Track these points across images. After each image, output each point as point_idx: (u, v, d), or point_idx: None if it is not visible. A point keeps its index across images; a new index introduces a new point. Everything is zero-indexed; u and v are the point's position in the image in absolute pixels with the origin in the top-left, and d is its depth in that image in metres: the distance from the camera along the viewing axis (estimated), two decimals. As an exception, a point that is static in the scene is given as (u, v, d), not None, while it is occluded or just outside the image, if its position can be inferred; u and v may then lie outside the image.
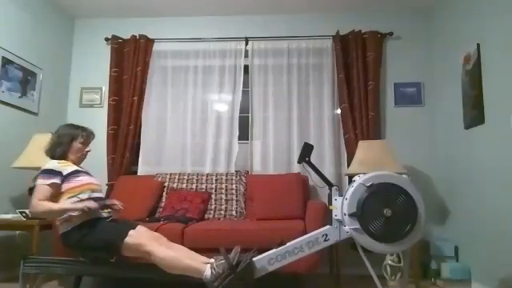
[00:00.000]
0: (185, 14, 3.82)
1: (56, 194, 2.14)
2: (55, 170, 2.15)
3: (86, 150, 2.35)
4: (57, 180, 2.13)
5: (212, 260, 1.93)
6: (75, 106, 3.83)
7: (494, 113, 2.55)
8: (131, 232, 2.04)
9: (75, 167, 2.25)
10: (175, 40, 3.76)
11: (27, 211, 2.72)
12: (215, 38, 3.74)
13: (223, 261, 1.86)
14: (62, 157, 2.26)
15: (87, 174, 2.31)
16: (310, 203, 2.79)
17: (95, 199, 2.20)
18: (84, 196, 2.17)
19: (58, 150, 2.25)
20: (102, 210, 2.17)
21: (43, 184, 2.11)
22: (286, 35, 3.69)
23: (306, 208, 2.80)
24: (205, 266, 1.91)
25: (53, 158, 2.25)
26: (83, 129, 2.35)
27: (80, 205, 2.08)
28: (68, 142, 2.27)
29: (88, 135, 2.35)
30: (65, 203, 2.11)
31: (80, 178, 2.21)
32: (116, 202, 2.30)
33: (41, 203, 2.06)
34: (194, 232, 2.58)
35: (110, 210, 2.24)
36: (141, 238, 2.03)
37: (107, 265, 2.14)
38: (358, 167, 3.00)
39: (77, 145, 2.29)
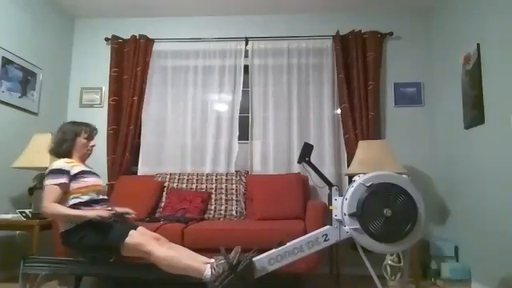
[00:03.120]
0: (185, 13, 3.82)
1: (64, 194, 2.13)
2: (64, 170, 2.15)
3: (91, 144, 2.34)
4: (65, 180, 2.13)
5: (212, 260, 1.93)
6: (75, 106, 3.83)
7: (493, 113, 2.55)
8: (132, 232, 2.04)
9: (82, 167, 2.25)
10: (175, 40, 3.76)
11: (27, 211, 2.73)
12: (215, 38, 3.74)
13: (223, 261, 1.86)
14: (68, 154, 2.25)
15: (94, 174, 2.30)
16: (309, 203, 2.79)
17: (99, 201, 2.21)
18: (86, 198, 2.16)
19: (63, 146, 2.25)
20: (113, 217, 2.13)
21: (53, 184, 2.10)
22: (286, 35, 3.69)
23: (306, 208, 2.80)
24: (205, 265, 1.91)
25: (58, 155, 2.24)
26: (86, 124, 2.35)
27: (92, 213, 2.06)
28: (72, 138, 2.26)
29: (91, 130, 2.35)
30: (76, 211, 2.09)
31: (87, 179, 2.21)
32: (129, 210, 2.27)
33: (53, 206, 2.06)
34: (194, 232, 2.58)
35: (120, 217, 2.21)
36: (141, 238, 2.03)
37: (107, 265, 2.14)
38: (358, 167, 3.00)
39: (81, 140, 2.28)
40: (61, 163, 2.18)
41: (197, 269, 1.91)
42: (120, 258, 2.15)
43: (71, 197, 2.14)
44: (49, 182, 2.11)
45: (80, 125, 2.33)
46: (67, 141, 2.25)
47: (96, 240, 2.05)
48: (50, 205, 2.06)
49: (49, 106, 3.56)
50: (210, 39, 3.74)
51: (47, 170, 2.16)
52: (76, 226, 2.08)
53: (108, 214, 2.08)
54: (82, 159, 2.32)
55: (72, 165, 2.20)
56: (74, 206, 2.14)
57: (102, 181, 2.33)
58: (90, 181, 2.22)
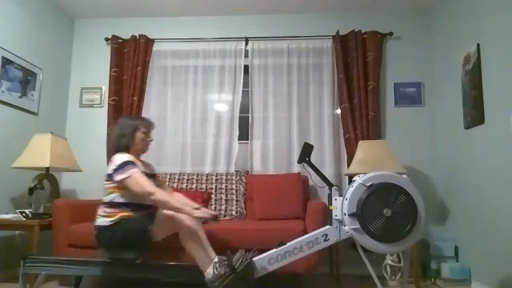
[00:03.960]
0: (185, 13, 3.82)
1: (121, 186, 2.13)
2: (135, 163, 2.15)
3: (149, 139, 2.34)
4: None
5: (216, 259, 1.94)
6: (75, 106, 3.84)
7: (493, 113, 2.55)
8: (162, 211, 2.06)
9: (142, 168, 2.25)
10: (175, 40, 3.76)
11: (27, 211, 2.73)
12: (215, 38, 3.74)
13: (226, 262, 1.86)
14: (126, 149, 2.25)
15: (150, 176, 2.27)
16: (310, 203, 2.79)
17: (145, 207, 2.21)
18: (137, 201, 2.18)
19: (122, 140, 2.24)
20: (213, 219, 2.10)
21: (140, 171, 2.09)
22: (286, 35, 3.69)
23: (306, 208, 2.80)
24: (209, 262, 1.93)
25: (118, 150, 2.24)
26: (143, 119, 2.36)
27: (198, 212, 2.02)
28: (131, 132, 2.26)
29: (149, 124, 2.35)
30: (184, 205, 2.04)
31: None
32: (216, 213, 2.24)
33: (162, 192, 2.04)
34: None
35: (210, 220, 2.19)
36: (174, 213, 2.03)
37: (107, 265, 2.14)
38: (358, 167, 3.00)
39: (140, 135, 2.28)
40: (128, 156, 2.16)
41: (206, 260, 1.94)
42: (147, 257, 2.16)
43: (121, 193, 2.14)
44: (133, 170, 2.07)
45: (138, 119, 2.33)
46: (126, 135, 2.25)
47: (126, 233, 2.05)
48: (159, 189, 2.05)
49: (49, 106, 3.56)
50: (210, 39, 3.74)
51: (117, 164, 2.10)
52: (112, 223, 2.08)
53: (211, 215, 2.05)
54: (139, 154, 2.32)
55: (136, 161, 2.21)
56: (120, 204, 2.14)
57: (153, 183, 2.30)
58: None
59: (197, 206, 2.09)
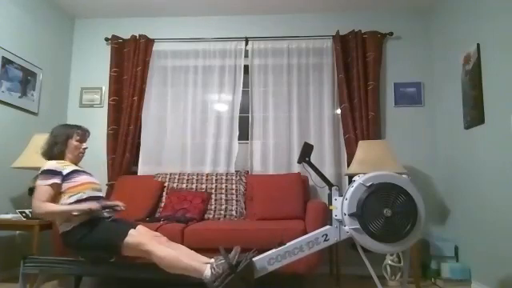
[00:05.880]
0: (185, 13, 3.82)
1: (56, 194, 2.14)
2: (55, 170, 2.15)
3: (83, 147, 2.35)
4: (57, 180, 2.13)
5: (212, 260, 1.93)
6: (75, 106, 3.84)
7: (493, 113, 2.55)
8: (131, 231, 2.04)
9: (74, 167, 2.26)
10: (175, 40, 3.76)
11: (27, 211, 2.72)
12: (215, 38, 3.74)
13: (223, 261, 1.86)
14: (60, 156, 2.26)
15: (86, 173, 2.31)
16: (310, 203, 2.79)
17: (95, 198, 2.20)
18: (84, 195, 2.16)
19: (55, 149, 2.26)
20: (103, 210, 2.17)
21: (44, 185, 2.10)
22: (285, 35, 3.69)
23: (306, 208, 2.80)
24: (205, 265, 1.91)
25: (51, 158, 2.25)
26: (78, 127, 2.36)
27: (83, 206, 2.08)
28: (64, 140, 2.27)
29: (83, 132, 2.36)
30: (66, 205, 2.10)
31: (80, 178, 2.20)
32: (119, 203, 2.29)
33: (43, 205, 2.06)
34: (193, 232, 2.58)
35: (111, 210, 2.24)
36: (141, 237, 2.03)
37: (107, 265, 2.14)
38: (358, 167, 3.00)
39: (73, 142, 2.29)
40: (53, 164, 2.18)
41: (197, 269, 1.91)
42: (121, 258, 2.15)
43: (67, 196, 2.14)
44: (40, 182, 2.11)
45: (72, 127, 2.34)
46: (58, 144, 2.26)
47: (96, 240, 2.05)
48: (40, 204, 2.06)
49: (49, 106, 3.56)
50: (210, 39, 3.74)
51: (39, 172, 2.16)
52: (74, 227, 2.08)
53: (98, 205, 2.10)
54: (75, 161, 2.32)
55: (64, 165, 2.21)
56: (71, 204, 2.13)
57: (95, 179, 2.33)
58: (83, 179, 2.21)
59: (96, 205, 2.11)
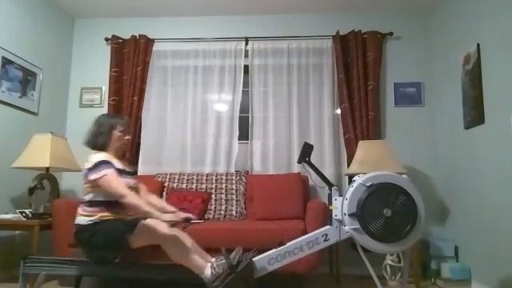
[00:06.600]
0: (185, 13, 3.82)
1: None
2: (110, 162, 2.13)
3: (126, 137, 2.34)
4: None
5: (213, 259, 1.93)
6: (75, 106, 3.83)
7: (493, 113, 2.55)
8: (142, 221, 2.04)
9: (119, 166, 2.23)
10: (175, 40, 3.76)
11: (27, 211, 2.73)
12: (215, 38, 3.74)
13: (223, 261, 1.86)
14: (104, 147, 2.24)
15: (128, 175, 2.27)
16: (310, 203, 2.79)
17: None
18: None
19: (99, 138, 2.23)
20: (187, 223, 2.12)
21: (113, 172, 2.07)
22: (286, 35, 3.69)
23: (306, 208, 2.80)
24: (206, 264, 1.92)
25: (95, 147, 2.23)
26: (121, 117, 2.35)
27: (166, 216, 2.02)
28: (108, 130, 2.25)
29: (126, 123, 2.35)
30: (154, 210, 2.03)
31: (124, 180, 2.15)
32: (190, 215, 2.23)
33: (134, 195, 2.03)
34: (194, 232, 2.58)
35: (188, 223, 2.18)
36: (151, 220, 2.01)
37: (107, 265, 2.14)
38: (358, 167, 3.00)
39: (116, 133, 2.27)
40: (104, 155, 2.16)
41: (200, 264, 1.92)
42: (125, 258, 2.15)
43: (97, 192, 2.12)
44: (107, 171, 2.06)
45: (115, 118, 2.32)
46: (103, 133, 2.24)
47: (104, 237, 2.04)
48: (131, 193, 2.03)
49: (49, 106, 3.56)
50: (210, 39, 3.74)
51: (92, 163, 2.10)
52: (92, 223, 2.07)
53: (181, 218, 2.06)
54: (117, 153, 2.31)
55: (113, 160, 2.19)
56: (100, 203, 2.13)
57: (133, 182, 2.29)
58: (125, 182, 2.16)
59: (172, 209, 2.09)
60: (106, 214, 2.12)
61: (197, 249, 2.04)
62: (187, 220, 2.08)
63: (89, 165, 2.12)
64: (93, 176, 2.07)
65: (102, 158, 2.13)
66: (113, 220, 2.12)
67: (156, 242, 1.98)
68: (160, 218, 2.00)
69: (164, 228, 1.97)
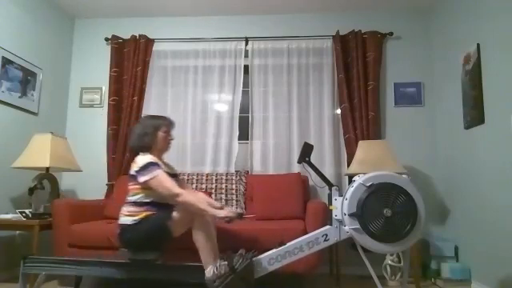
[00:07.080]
0: (185, 13, 3.82)
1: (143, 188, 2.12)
2: (158, 163, 2.14)
3: (170, 138, 2.34)
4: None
5: (218, 261, 1.94)
6: (75, 106, 3.83)
7: (493, 113, 2.55)
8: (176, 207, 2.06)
9: (165, 168, 2.24)
10: (175, 40, 3.76)
11: (27, 211, 2.73)
12: (215, 38, 3.74)
13: (225, 263, 1.87)
14: (149, 148, 2.24)
15: (173, 177, 2.26)
16: (310, 203, 2.79)
17: (168, 206, 2.17)
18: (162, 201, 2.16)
19: (145, 139, 2.23)
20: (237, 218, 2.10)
21: (163, 173, 2.08)
22: (286, 35, 3.69)
23: (306, 208, 2.80)
24: (212, 262, 1.93)
25: (140, 149, 2.24)
26: (164, 118, 2.35)
27: (222, 212, 2.01)
28: (153, 132, 2.25)
29: (170, 123, 2.35)
30: (208, 206, 2.02)
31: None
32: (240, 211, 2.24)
33: (186, 194, 2.02)
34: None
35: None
36: (192, 196, 2.03)
37: (107, 265, 2.14)
38: (358, 167, 3.00)
39: (161, 134, 2.28)
40: (151, 157, 2.17)
41: (209, 261, 1.94)
42: (166, 255, 2.17)
43: (145, 194, 2.13)
44: (158, 171, 2.07)
45: (159, 119, 2.32)
46: (148, 135, 2.24)
47: (146, 230, 2.04)
48: (185, 192, 2.04)
49: (49, 106, 3.56)
50: (210, 39, 3.74)
51: (140, 165, 2.11)
52: (136, 222, 2.08)
53: (235, 214, 2.04)
54: (161, 154, 2.32)
55: (159, 162, 2.20)
56: (146, 204, 2.14)
57: (177, 183, 2.27)
58: None
59: (219, 205, 2.10)
60: (150, 213, 2.12)
61: (215, 245, 2.03)
62: (240, 215, 2.07)
63: (136, 167, 2.12)
64: (143, 178, 2.08)
65: (149, 159, 2.13)
66: (153, 214, 2.13)
67: (192, 222, 2.00)
68: (216, 214, 2.00)
69: (204, 205, 1.98)
